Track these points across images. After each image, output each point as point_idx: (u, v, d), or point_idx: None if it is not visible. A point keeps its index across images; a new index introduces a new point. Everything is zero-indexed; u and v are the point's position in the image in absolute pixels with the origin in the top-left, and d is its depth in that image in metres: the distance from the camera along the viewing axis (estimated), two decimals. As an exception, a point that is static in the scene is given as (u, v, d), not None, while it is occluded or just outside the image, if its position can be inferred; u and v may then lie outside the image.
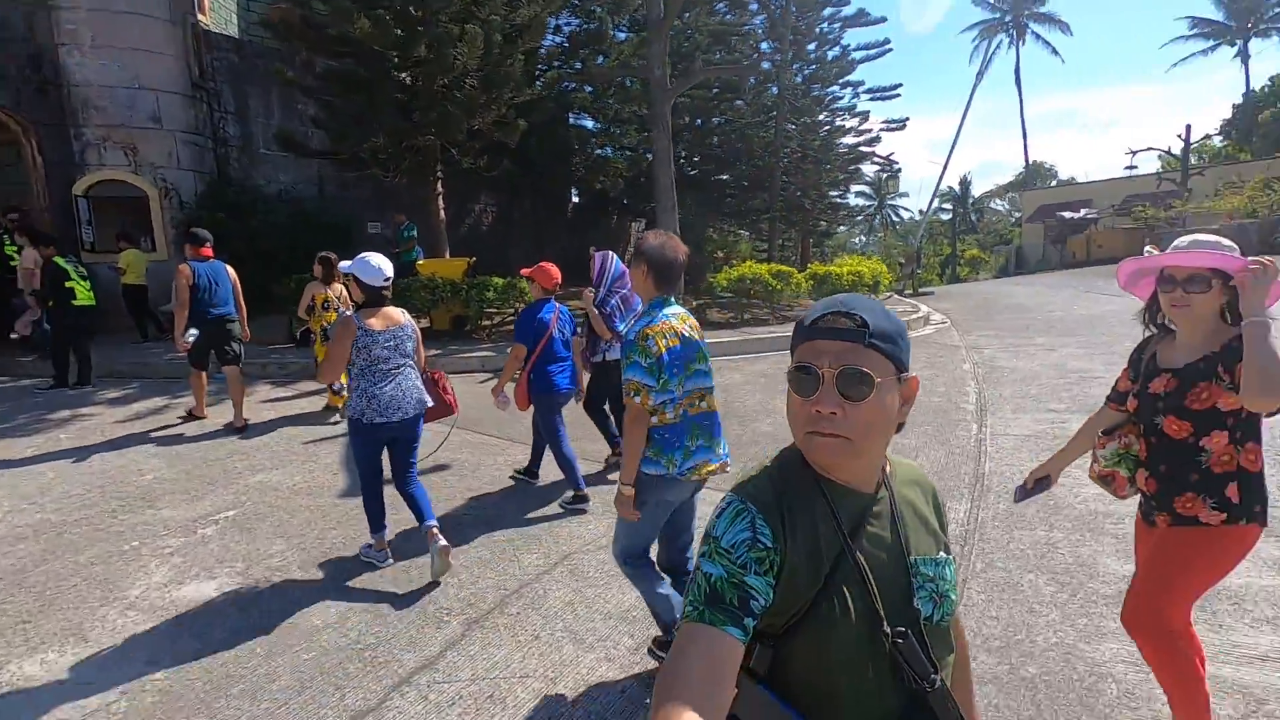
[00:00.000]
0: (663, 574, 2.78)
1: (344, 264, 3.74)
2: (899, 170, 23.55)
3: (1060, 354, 8.45)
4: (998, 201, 53.16)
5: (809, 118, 18.65)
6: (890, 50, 18.14)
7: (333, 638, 3.11)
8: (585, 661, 2.88)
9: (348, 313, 3.83)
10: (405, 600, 3.43)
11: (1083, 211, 30.77)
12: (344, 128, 10.54)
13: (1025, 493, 2.35)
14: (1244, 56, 40.09)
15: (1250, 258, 1.83)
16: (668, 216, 10.80)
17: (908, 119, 18.58)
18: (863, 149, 20.00)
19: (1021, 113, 53.33)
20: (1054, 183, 48.03)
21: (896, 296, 16.90)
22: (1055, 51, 41.81)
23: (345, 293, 6.76)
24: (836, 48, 18.32)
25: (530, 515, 4.44)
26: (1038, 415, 5.99)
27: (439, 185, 11.50)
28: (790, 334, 1.07)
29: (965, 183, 49.44)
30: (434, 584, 3.56)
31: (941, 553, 1.10)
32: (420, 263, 10.84)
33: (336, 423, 6.52)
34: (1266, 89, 36.48)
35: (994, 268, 37.00)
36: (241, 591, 3.55)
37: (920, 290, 20.30)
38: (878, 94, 19.33)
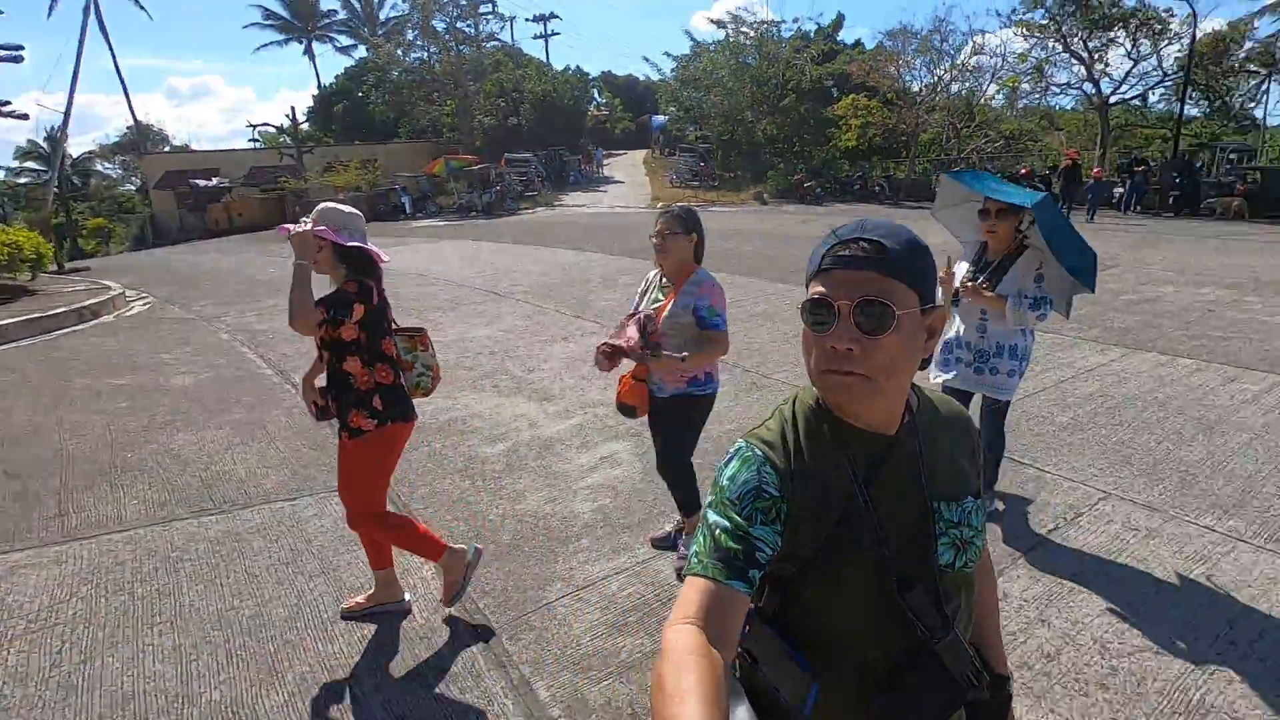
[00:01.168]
0: None
1: None
2: (24, 118, 17.76)
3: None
4: (106, 164, 46.88)
5: None
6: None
7: None
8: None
9: None
10: None
11: (215, 180, 31.10)
12: None
13: None
14: (311, 55, 47.54)
15: (291, 227, 2.32)
16: None
17: (23, 47, 14.30)
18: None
19: (116, 66, 46.92)
20: (167, 148, 45.91)
21: (44, 276, 13.50)
22: (141, 6, 38.82)
23: None
24: None
25: None
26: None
27: None
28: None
29: (54, 138, 41.17)
30: None
31: (969, 498, 1.03)
32: None
33: None
34: (333, 86, 44.29)
35: (126, 238, 33.30)
36: None
37: (67, 266, 16.79)
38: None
